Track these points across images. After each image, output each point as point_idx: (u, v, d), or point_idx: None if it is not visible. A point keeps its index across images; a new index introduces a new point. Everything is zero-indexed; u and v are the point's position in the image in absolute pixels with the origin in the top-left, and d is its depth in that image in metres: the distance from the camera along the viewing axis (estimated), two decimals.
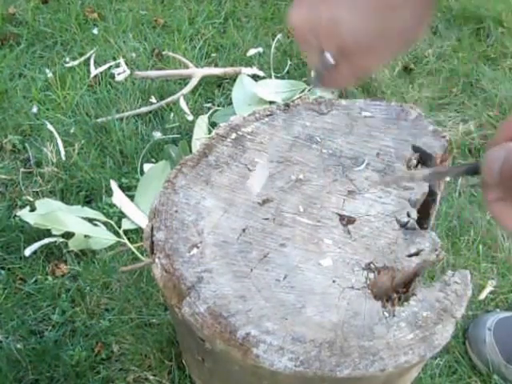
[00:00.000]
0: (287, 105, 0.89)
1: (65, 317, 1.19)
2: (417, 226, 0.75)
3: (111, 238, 1.22)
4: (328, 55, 0.45)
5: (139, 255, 1.19)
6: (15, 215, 1.34)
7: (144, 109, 1.60)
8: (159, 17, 1.89)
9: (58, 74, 1.67)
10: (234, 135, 0.85)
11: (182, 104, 1.58)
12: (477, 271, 1.28)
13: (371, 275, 0.71)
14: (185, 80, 1.68)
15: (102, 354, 1.15)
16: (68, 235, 1.23)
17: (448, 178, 0.82)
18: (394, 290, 0.73)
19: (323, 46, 0.45)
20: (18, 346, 1.14)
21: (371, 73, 0.55)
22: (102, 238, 1.22)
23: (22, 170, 1.46)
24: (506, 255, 1.31)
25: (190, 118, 1.57)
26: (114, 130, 1.52)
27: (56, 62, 1.73)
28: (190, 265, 0.71)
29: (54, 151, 1.48)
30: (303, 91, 1.59)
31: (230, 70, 1.69)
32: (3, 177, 1.45)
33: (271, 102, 1.47)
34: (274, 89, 1.56)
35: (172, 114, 1.58)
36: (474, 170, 0.41)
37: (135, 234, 1.28)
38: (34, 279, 1.25)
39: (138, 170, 1.42)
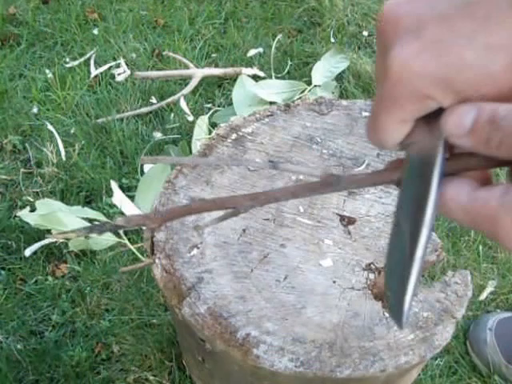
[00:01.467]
0: (287, 105, 0.89)
1: (65, 317, 1.19)
2: None
3: (111, 239, 1.22)
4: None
5: (139, 256, 1.19)
6: (15, 215, 1.34)
7: (144, 109, 1.60)
8: (159, 17, 1.89)
9: (58, 75, 1.67)
10: (234, 136, 0.85)
11: (183, 104, 1.58)
12: (477, 271, 1.28)
13: (371, 276, 0.71)
14: (185, 80, 1.68)
15: (103, 354, 1.15)
16: None
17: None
18: None
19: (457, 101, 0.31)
20: (19, 346, 1.14)
21: None
22: (102, 238, 1.22)
23: (22, 170, 1.46)
24: (506, 256, 1.31)
25: (191, 118, 1.57)
26: (114, 130, 1.53)
27: (56, 63, 1.73)
28: (191, 265, 0.71)
29: (54, 151, 1.48)
30: (303, 91, 1.59)
31: (230, 70, 1.69)
32: (3, 177, 1.45)
33: (271, 103, 1.47)
34: (275, 89, 1.56)
35: (172, 115, 1.58)
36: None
37: (135, 234, 1.28)
38: (34, 280, 1.25)
39: (139, 170, 1.43)
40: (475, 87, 0.30)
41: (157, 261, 0.71)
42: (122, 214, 1.30)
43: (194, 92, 1.65)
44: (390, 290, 0.36)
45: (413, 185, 0.34)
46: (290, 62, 1.73)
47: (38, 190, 1.41)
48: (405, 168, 0.34)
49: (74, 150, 1.49)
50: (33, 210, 1.28)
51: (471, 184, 0.31)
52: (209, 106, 1.62)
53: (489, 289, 1.25)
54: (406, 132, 0.33)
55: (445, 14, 0.29)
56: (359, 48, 1.81)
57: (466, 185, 0.31)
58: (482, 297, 1.24)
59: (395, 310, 0.35)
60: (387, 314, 0.68)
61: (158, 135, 1.53)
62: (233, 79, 1.65)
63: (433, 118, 0.32)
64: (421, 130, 0.32)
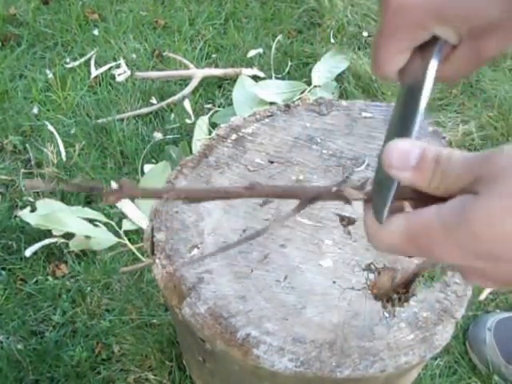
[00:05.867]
0: (287, 106, 0.89)
1: (65, 317, 1.20)
2: None
3: (112, 239, 1.22)
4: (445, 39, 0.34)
5: (140, 256, 1.19)
6: (16, 216, 1.34)
7: (144, 109, 1.60)
8: (160, 18, 1.89)
9: (59, 75, 1.67)
10: (234, 136, 0.85)
11: (187, 105, 1.58)
12: None
13: (371, 276, 0.71)
14: (185, 81, 1.68)
15: (103, 354, 1.15)
16: (68, 236, 1.23)
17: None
18: (395, 291, 0.73)
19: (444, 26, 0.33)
20: (19, 346, 1.14)
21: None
22: (103, 238, 1.22)
23: (22, 170, 1.46)
24: None
25: (192, 119, 1.57)
26: (114, 130, 1.53)
27: (56, 63, 1.73)
28: (191, 265, 0.71)
29: (54, 152, 1.48)
30: (303, 92, 1.59)
31: (230, 70, 1.69)
32: (4, 177, 1.45)
33: (271, 103, 1.47)
34: (275, 90, 1.56)
35: (172, 115, 1.59)
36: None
37: (136, 234, 1.28)
38: (34, 280, 1.25)
39: (139, 170, 1.43)
40: (464, 18, 0.32)
41: (157, 261, 0.71)
42: (122, 214, 1.30)
43: (194, 92, 1.65)
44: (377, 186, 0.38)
45: (403, 103, 0.36)
46: (289, 63, 1.74)
47: (39, 191, 1.41)
48: (398, 95, 0.37)
49: (74, 151, 1.49)
50: (33, 210, 1.28)
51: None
52: (209, 106, 1.63)
53: (488, 289, 1.25)
54: (404, 61, 0.36)
55: None
56: (359, 48, 1.81)
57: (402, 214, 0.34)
58: (482, 297, 1.25)
59: (379, 203, 0.37)
60: (387, 315, 0.68)
61: (158, 135, 1.53)
62: (233, 80, 1.65)
63: (425, 47, 0.34)
64: (415, 59, 0.35)
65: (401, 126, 0.36)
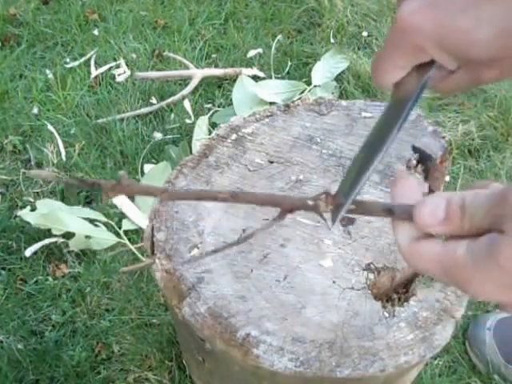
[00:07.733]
0: (287, 105, 0.89)
1: (65, 317, 1.20)
2: None
3: (112, 239, 1.22)
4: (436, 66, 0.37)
5: (140, 256, 1.20)
6: (16, 216, 1.34)
7: (144, 109, 1.60)
8: (159, 18, 1.89)
9: (59, 75, 1.68)
10: (234, 136, 0.85)
11: (187, 105, 1.58)
12: None
13: (371, 276, 0.71)
14: (185, 81, 1.68)
15: (103, 354, 1.15)
16: (68, 235, 1.23)
17: None
18: (394, 291, 0.73)
19: (444, 55, 0.36)
20: (19, 346, 1.15)
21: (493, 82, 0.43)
22: (103, 238, 1.22)
23: (22, 170, 1.46)
24: None
25: (191, 119, 1.57)
26: (114, 130, 1.53)
27: (57, 63, 1.73)
28: (191, 265, 0.71)
29: (54, 152, 1.48)
30: (303, 92, 1.59)
31: (230, 70, 1.70)
32: (4, 177, 1.45)
33: (271, 103, 1.47)
34: (274, 89, 1.56)
35: (172, 115, 1.59)
36: None
37: (136, 234, 1.28)
38: (34, 280, 1.25)
39: (139, 170, 1.43)
40: (462, 50, 0.35)
41: (157, 261, 0.71)
42: (122, 214, 1.30)
43: (193, 92, 1.65)
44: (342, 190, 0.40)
45: (388, 112, 0.40)
46: (289, 63, 1.74)
47: (39, 191, 1.41)
48: (387, 106, 0.40)
49: (74, 151, 1.49)
50: (33, 209, 1.28)
51: (442, 240, 0.34)
52: (209, 106, 1.63)
53: None
54: (401, 76, 0.38)
55: None
56: (359, 48, 1.81)
57: (437, 239, 0.34)
58: None
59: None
60: (387, 314, 0.68)
61: (158, 135, 1.54)
62: (233, 80, 1.66)
63: (423, 66, 0.37)
64: (412, 74, 0.38)
65: (379, 135, 0.39)
